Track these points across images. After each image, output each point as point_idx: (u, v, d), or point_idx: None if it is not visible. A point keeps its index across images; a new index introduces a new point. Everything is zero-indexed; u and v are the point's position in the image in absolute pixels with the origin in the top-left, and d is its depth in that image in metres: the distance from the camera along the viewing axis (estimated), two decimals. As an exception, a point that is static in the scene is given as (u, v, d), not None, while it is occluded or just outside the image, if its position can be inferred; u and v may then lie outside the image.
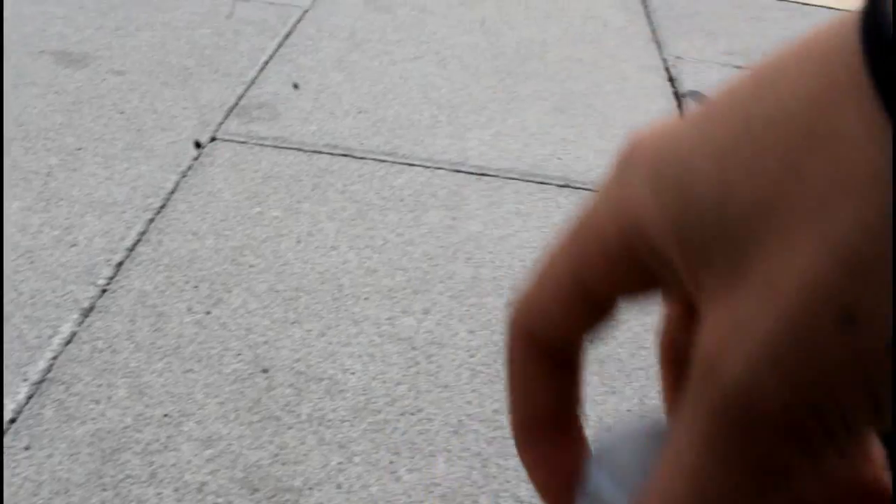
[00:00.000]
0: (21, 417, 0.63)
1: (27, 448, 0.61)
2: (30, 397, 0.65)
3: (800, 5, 1.75)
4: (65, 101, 1.05)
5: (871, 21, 0.11)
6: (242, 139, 0.98)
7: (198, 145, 0.94)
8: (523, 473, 0.61)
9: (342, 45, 1.24)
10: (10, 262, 0.78)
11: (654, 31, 1.49)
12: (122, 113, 1.03)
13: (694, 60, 1.39)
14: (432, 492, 0.59)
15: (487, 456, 0.62)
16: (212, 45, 1.21)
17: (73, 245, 0.80)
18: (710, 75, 1.34)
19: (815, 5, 1.77)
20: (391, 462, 0.61)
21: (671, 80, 1.31)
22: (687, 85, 1.29)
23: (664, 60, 1.37)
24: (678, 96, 1.26)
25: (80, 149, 0.95)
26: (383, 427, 0.63)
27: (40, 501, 0.57)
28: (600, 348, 0.74)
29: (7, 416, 0.63)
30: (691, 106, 1.22)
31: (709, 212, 0.12)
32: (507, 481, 0.61)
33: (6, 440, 0.62)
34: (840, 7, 1.73)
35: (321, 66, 1.17)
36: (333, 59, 1.19)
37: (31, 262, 0.78)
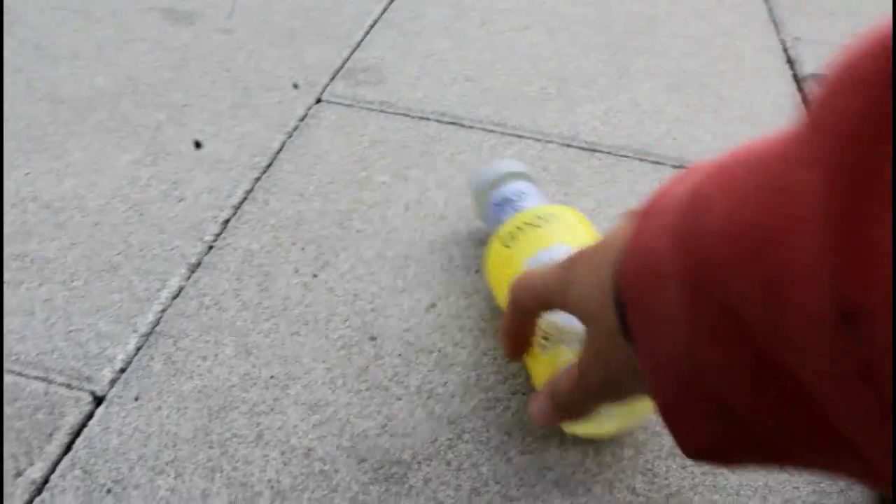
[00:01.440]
0: (131, 368, 0.63)
1: (136, 399, 0.60)
2: (139, 349, 0.64)
3: (927, -11, 1.65)
4: (172, 57, 1.04)
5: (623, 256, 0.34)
6: (349, 102, 0.96)
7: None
8: (638, 462, 0.58)
9: (448, 12, 1.21)
10: (121, 214, 0.78)
11: (770, 10, 1.42)
12: (228, 71, 1.02)
13: (814, 42, 1.31)
14: (545, 476, 0.57)
15: (602, 443, 0.59)
16: (317, 7, 1.19)
17: (181, 200, 0.80)
18: (831, 57, 1.27)
19: (944, -10, 1.66)
20: (502, 442, 0.58)
21: (790, 61, 1.24)
22: (807, 67, 1.22)
23: (782, 41, 1.31)
24: (797, 79, 1.19)
25: (186, 105, 0.94)
26: (494, 405, 0.61)
27: (149, 452, 0.56)
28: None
29: (117, 365, 0.63)
30: (813, 89, 1.16)
31: (553, 297, 0.44)
32: (623, 471, 0.58)
33: (117, 389, 0.61)
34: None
35: (427, 32, 1.14)
36: (439, 25, 1.17)
37: (141, 215, 0.77)
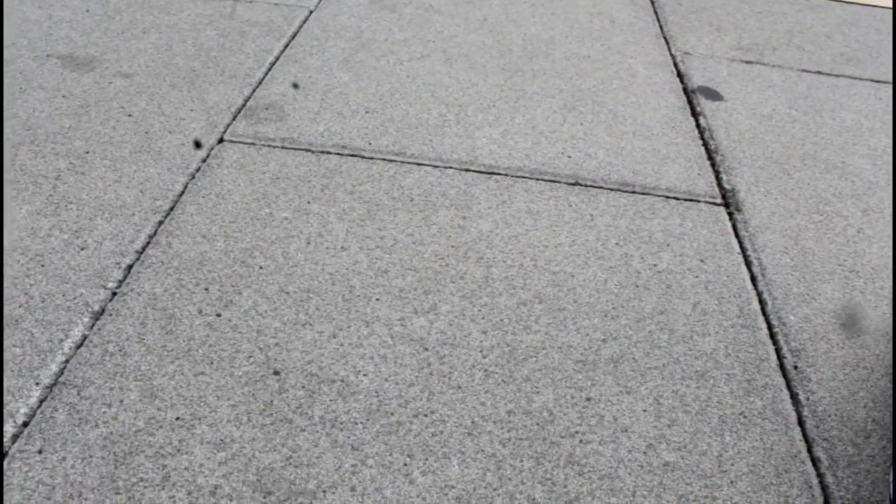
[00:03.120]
0: (34, 421, 0.63)
1: (40, 452, 0.61)
2: (42, 401, 0.65)
3: (808, -1, 1.74)
4: (73, 104, 1.04)
5: None
6: (250, 140, 0.98)
7: (197, 145, 0.94)
8: (537, 472, 0.61)
9: (348, 45, 1.24)
10: (21, 266, 0.77)
11: (662, 27, 1.48)
12: (129, 116, 1.02)
13: (702, 56, 1.38)
14: (447, 494, 0.59)
15: (502, 457, 0.62)
16: (218, 47, 1.20)
17: (83, 248, 0.80)
18: (719, 70, 1.33)
19: (824, -1, 1.76)
20: (405, 464, 0.60)
21: (680, 76, 1.30)
22: (696, 80, 1.29)
23: (672, 56, 1.37)
24: (687, 92, 1.25)
25: (88, 152, 0.95)
26: (397, 429, 0.63)
27: (54, 506, 0.57)
28: (614, 347, 0.74)
29: (20, 419, 0.63)
30: (701, 102, 1.22)
31: None
32: (523, 483, 0.60)
33: (19, 444, 0.61)
34: (849, 0, 1.72)
35: (328, 67, 1.16)
36: (340, 59, 1.19)
37: (42, 266, 0.77)
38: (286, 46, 1.22)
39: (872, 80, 1.37)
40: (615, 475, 0.62)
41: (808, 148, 1.12)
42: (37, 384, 0.66)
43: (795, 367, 0.75)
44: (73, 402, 0.64)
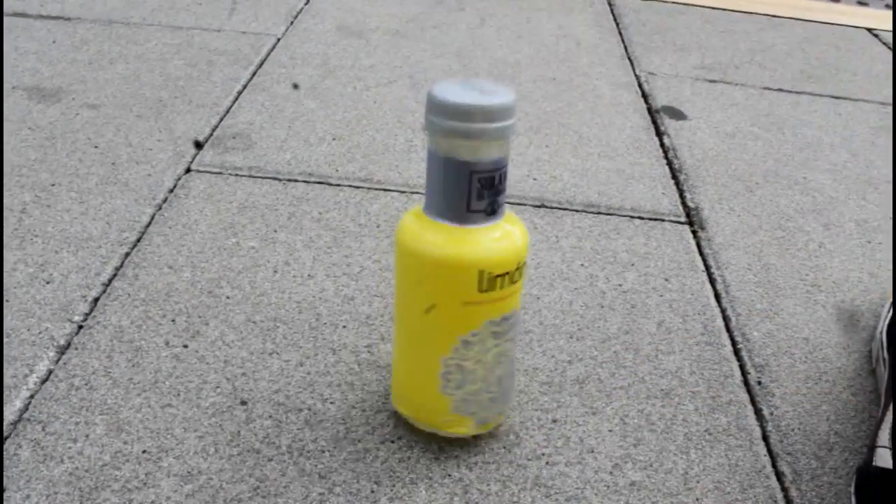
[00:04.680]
0: (-3, 460, 0.62)
1: (3, 490, 0.60)
2: (6, 438, 0.64)
3: (769, 17, 1.78)
4: (38, 136, 1.04)
5: None
6: (217, 170, 0.98)
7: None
8: (504, 496, 0.61)
9: (315, 73, 1.25)
10: (-15, 302, 0.77)
11: (626, 48, 1.51)
12: (96, 147, 1.03)
13: (666, 76, 1.40)
14: (414, 519, 0.59)
15: (469, 482, 0.62)
16: (185, 77, 1.21)
17: (49, 282, 0.80)
18: (682, 90, 1.36)
19: (785, 17, 1.80)
20: (372, 491, 0.61)
21: (644, 96, 1.32)
22: (660, 100, 1.31)
23: (637, 77, 1.39)
24: (651, 112, 1.27)
25: (54, 184, 0.95)
26: (364, 456, 0.63)
27: (18, 545, 0.56)
28: (579, 368, 0.74)
29: (-17, 458, 0.63)
30: (665, 121, 1.23)
31: None
32: (490, 506, 0.61)
33: (-18, 483, 0.61)
34: (809, 19, 1.75)
35: (295, 94, 1.17)
36: (307, 86, 1.20)
37: (7, 301, 0.77)
38: (253, 74, 1.22)
39: (832, 97, 1.40)
40: (582, 496, 0.62)
41: (770, 165, 1.14)
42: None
43: (759, 383, 0.76)
44: (37, 437, 0.64)
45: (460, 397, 0.62)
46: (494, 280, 0.56)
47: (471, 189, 0.53)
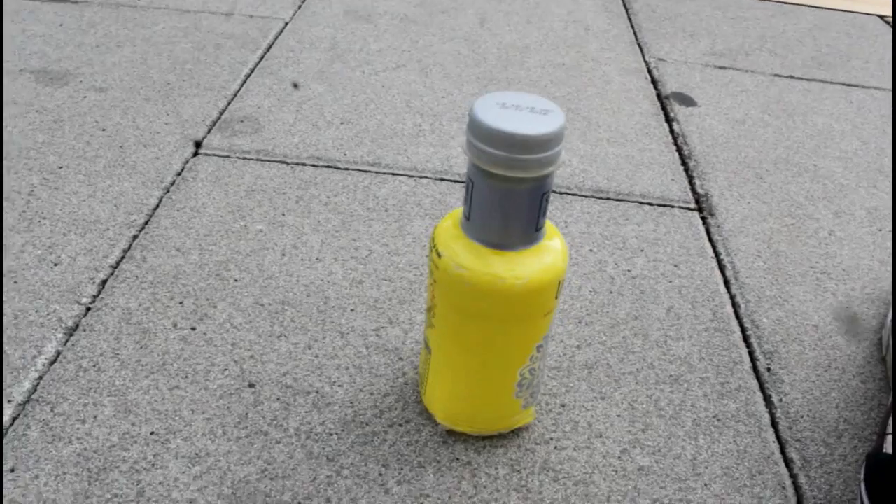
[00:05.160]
0: (6, 439, 0.63)
1: (13, 470, 0.60)
2: (14, 419, 0.64)
3: (780, 4, 1.76)
4: (46, 119, 1.04)
5: None
6: (225, 153, 0.98)
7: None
8: (512, 480, 0.61)
9: (323, 57, 1.24)
10: (-7, 283, 0.77)
11: (636, 34, 1.50)
12: (103, 130, 1.02)
13: (676, 62, 1.39)
14: (422, 503, 0.59)
15: (477, 465, 0.62)
16: (193, 60, 1.20)
17: (57, 264, 0.80)
18: (692, 76, 1.35)
19: (796, 3, 1.78)
20: (380, 474, 0.61)
21: (654, 82, 1.32)
22: (669, 87, 1.30)
23: (647, 63, 1.38)
24: (661, 98, 1.26)
25: (62, 167, 0.94)
26: (371, 439, 0.63)
27: (27, 524, 0.57)
28: (588, 353, 0.74)
29: (-8, 438, 0.63)
30: (674, 107, 1.23)
31: None
32: (498, 490, 0.61)
33: (-9, 463, 0.61)
34: (820, 5, 1.74)
35: (303, 78, 1.16)
36: (315, 70, 1.19)
37: (15, 283, 0.77)
38: (261, 58, 1.22)
39: (843, 84, 1.38)
40: (590, 481, 0.62)
41: (780, 152, 1.13)
42: (9, 402, 0.65)
43: (769, 370, 0.76)
44: (46, 418, 0.64)
45: (529, 394, 0.62)
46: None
47: (541, 209, 0.52)
